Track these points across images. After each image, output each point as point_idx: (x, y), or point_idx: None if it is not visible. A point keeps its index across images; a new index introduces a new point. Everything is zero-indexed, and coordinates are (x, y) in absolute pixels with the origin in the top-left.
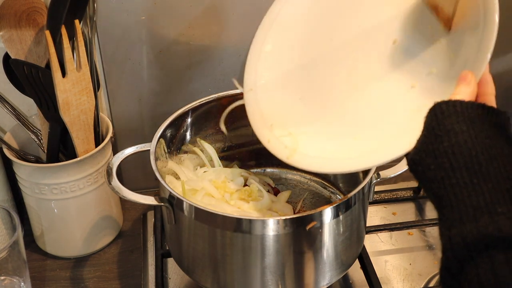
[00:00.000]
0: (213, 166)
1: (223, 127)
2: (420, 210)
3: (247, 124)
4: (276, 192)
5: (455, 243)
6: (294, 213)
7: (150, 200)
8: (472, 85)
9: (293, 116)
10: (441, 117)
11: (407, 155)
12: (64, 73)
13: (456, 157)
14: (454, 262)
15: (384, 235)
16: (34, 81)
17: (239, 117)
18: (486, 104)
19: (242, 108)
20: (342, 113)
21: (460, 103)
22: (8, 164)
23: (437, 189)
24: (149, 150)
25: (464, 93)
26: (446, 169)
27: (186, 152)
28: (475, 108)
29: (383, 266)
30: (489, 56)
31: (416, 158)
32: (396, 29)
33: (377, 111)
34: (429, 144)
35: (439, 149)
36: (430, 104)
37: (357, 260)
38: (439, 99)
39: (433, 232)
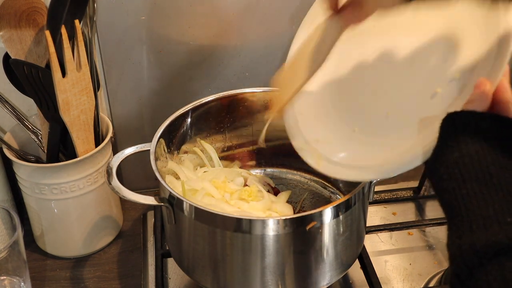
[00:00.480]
0: (213, 166)
1: (262, 143)
2: (420, 210)
3: (247, 124)
4: (276, 192)
5: (465, 250)
6: (294, 213)
7: (150, 200)
8: (486, 93)
9: (320, 123)
10: (452, 128)
11: (426, 163)
12: (64, 73)
13: (466, 167)
14: (464, 269)
15: (384, 235)
16: (34, 81)
17: (239, 117)
18: (499, 114)
19: (242, 108)
20: (366, 120)
21: (472, 114)
22: (8, 164)
23: (449, 199)
24: (149, 150)
25: (478, 101)
26: (457, 179)
27: (186, 152)
28: (487, 119)
29: (383, 266)
30: (505, 64)
31: (431, 168)
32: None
33: (399, 119)
34: (442, 154)
35: (451, 160)
36: (444, 113)
37: (357, 260)
38: (454, 108)
39: (433, 232)
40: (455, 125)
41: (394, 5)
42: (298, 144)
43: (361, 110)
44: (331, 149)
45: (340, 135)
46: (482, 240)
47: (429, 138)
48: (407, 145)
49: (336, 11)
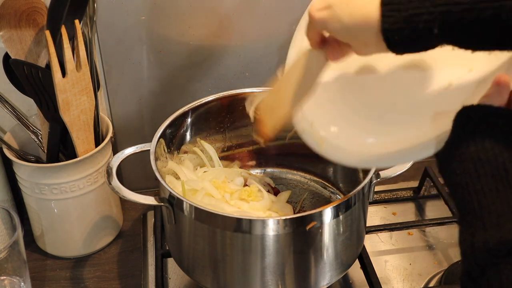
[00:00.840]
0: (213, 166)
1: (251, 113)
2: (420, 210)
3: (247, 124)
4: (276, 192)
5: (477, 248)
6: (294, 213)
7: (150, 200)
8: (504, 89)
9: (328, 109)
10: (467, 122)
11: (436, 156)
12: (64, 73)
13: (482, 163)
14: (476, 267)
15: (384, 235)
16: (34, 81)
17: (239, 117)
18: None
19: (242, 108)
20: (377, 108)
21: (489, 108)
22: (8, 164)
23: (462, 194)
24: (149, 150)
25: (494, 96)
26: (471, 174)
27: (186, 152)
28: (503, 114)
29: (383, 266)
30: None
31: (443, 162)
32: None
33: (412, 108)
34: (456, 148)
35: (465, 154)
36: (460, 106)
37: (357, 260)
38: (470, 102)
39: (433, 232)
40: (471, 119)
41: (370, 54)
42: (301, 127)
43: (367, 95)
44: (335, 133)
45: (345, 120)
46: (495, 238)
47: (443, 128)
48: (418, 133)
49: (320, 45)
